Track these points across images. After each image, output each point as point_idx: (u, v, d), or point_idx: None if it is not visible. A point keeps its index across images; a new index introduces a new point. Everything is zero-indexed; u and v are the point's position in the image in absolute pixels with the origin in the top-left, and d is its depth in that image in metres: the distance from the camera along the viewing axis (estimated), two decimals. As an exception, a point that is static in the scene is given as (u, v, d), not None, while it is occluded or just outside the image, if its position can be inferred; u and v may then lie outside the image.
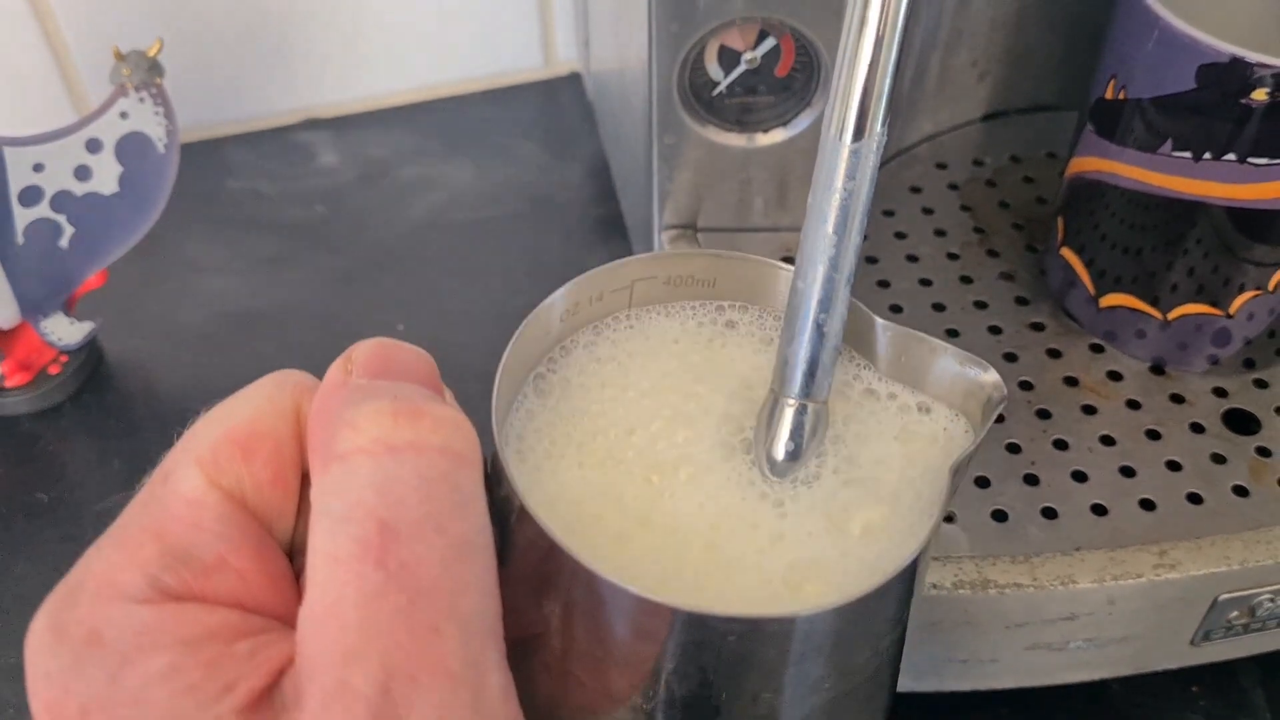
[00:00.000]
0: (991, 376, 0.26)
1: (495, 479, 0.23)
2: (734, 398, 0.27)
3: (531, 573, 0.23)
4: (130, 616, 0.19)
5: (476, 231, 0.58)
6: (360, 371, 0.22)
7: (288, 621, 0.21)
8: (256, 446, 0.22)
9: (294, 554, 0.23)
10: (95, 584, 0.20)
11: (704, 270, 0.28)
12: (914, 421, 0.27)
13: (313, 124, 0.64)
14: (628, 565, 0.24)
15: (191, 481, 0.21)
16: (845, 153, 0.23)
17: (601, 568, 0.21)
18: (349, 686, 0.18)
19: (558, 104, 0.66)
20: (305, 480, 0.22)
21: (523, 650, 0.22)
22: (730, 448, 0.26)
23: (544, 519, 0.22)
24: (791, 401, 0.25)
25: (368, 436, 0.20)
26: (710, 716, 0.24)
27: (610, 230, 0.58)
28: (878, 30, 0.22)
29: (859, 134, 0.23)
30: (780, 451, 0.25)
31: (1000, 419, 0.40)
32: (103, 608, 0.20)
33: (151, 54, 0.47)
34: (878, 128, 0.23)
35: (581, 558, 0.21)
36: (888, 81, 0.23)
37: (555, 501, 0.25)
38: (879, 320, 0.27)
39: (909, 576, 0.24)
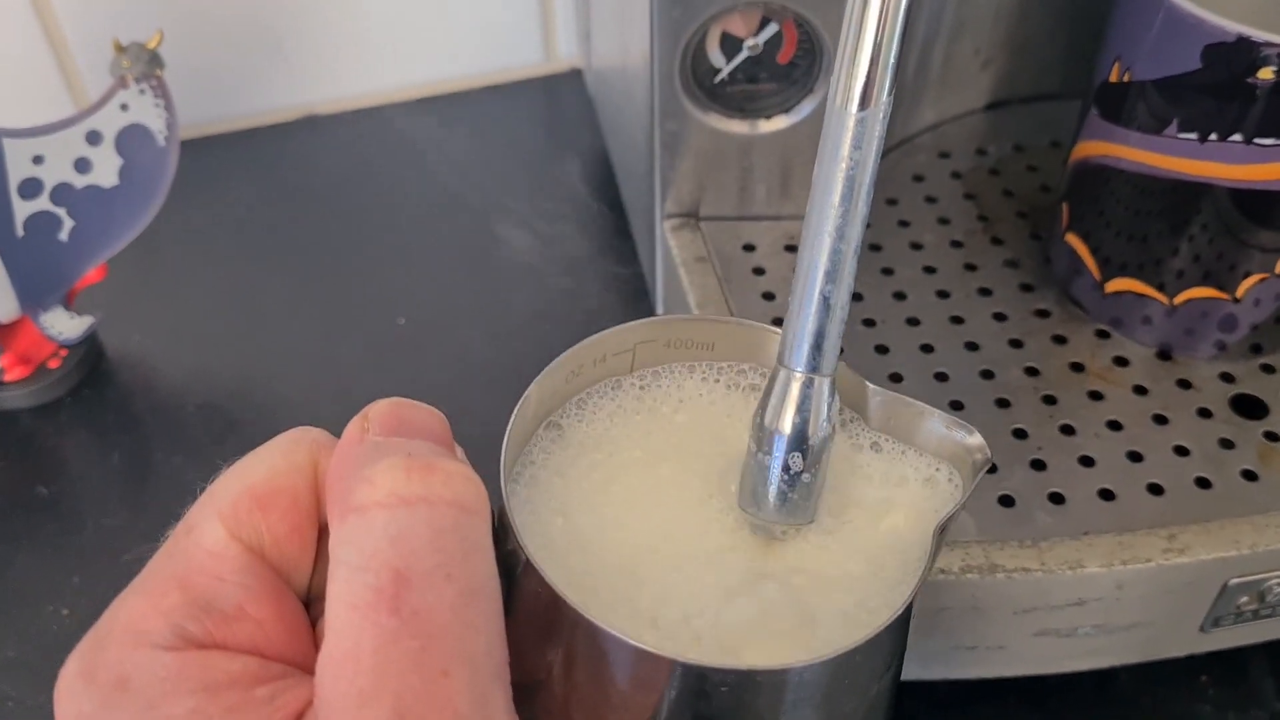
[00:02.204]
0: (976, 439, 0.27)
1: (502, 533, 0.24)
2: (736, 458, 0.28)
3: (536, 622, 0.24)
4: (156, 663, 0.20)
5: (478, 226, 0.58)
6: (376, 429, 0.23)
7: (305, 668, 0.22)
8: (275, 501, 0.23)
9: (311, 603, 0.24)
10: (122, 631, 0.21)
11: (704, 334, 0.29)
12: (899, 470, 0.28)
13: (312, 120, 0.64)
14: (627, 615, 0.25)
15: (213, 535, 0.22)
16: (851, 122, 0.23)
17: (602, 619, 0.22)
18: None
19: (559, 100, 0.66)
20: (322, 532, 0.24)
21: (527, 695, 0.23)
22: (713, 505, 0.27)
23: (547, 572, 0.23)
24: (798, 374, 0.25)
25: (383, 491, 0.21)
26: None
27: (612, 223, 0.58)
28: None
29: (865, 103, 0.23)
30: (788, 425, 0.25)
31: (1006, 404, 0.40)
32: (130, 654, 0.21)
33: (151, 46, 0.47)
34: (884, 97, 0.23)
35: (582, 609, 0.22)
36: (893, 50, 0.23)
37: (559, 554, 0.26)
38: (870, 385, 0.28)
39: (899, 628, 0.25)
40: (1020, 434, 0.39)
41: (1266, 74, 0.34)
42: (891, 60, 0.23)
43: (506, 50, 0.66)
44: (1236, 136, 0.36)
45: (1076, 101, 0.42)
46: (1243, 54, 0.34)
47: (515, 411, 0.26)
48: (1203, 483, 0.38)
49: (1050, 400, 0.40)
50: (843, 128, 0.23)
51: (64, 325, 0.50)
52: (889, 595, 0.25)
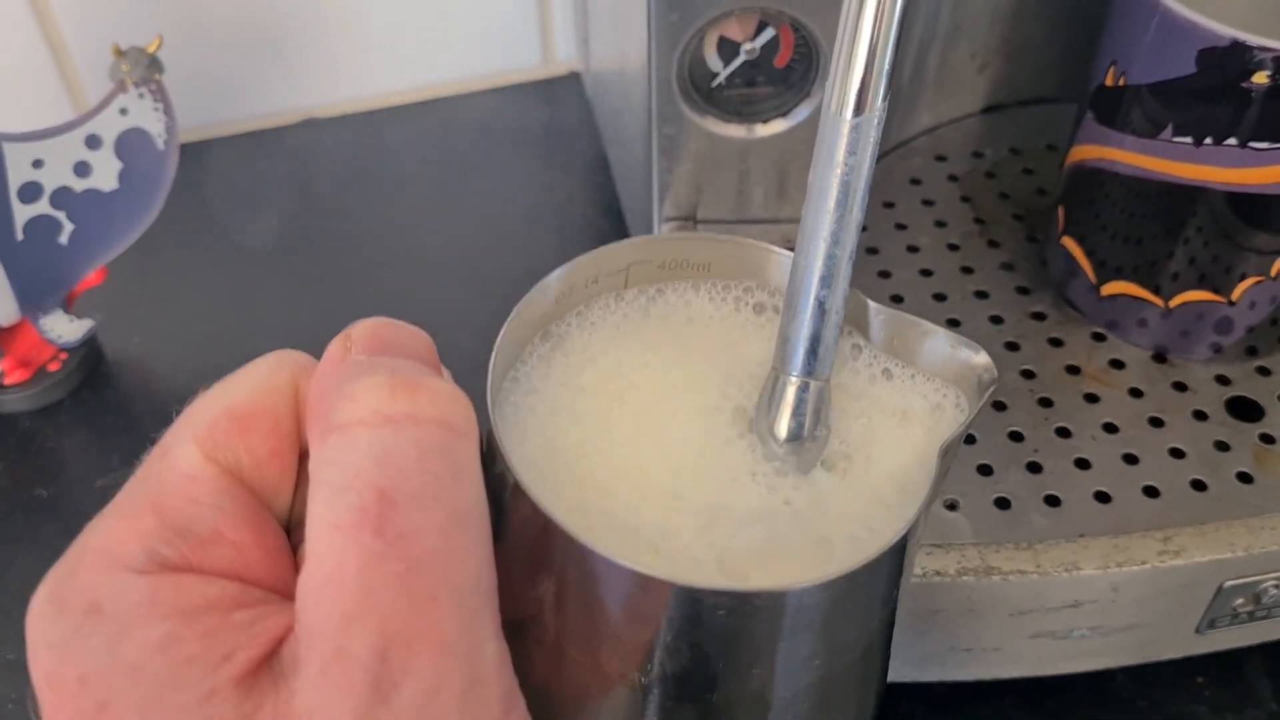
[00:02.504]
0: (982, 358, 0.25)
1: (490, 456, 0.23)
2: (732, 374, 0.27)
3: (526, 549, 0.23)
4: (129, 587, 0.20)
5: (476, 230, 0.58)
6: (359, 349, 0.22)
7: (285, 594, 0.21)
8: (254, 423, 0.22)
9: (292, 529, 0.23)
10: (94, 555, 0.20)
11: (699, 253, 0.28)
12: (905, 399, 0.27)
13: (312, 123, 0.64)
14: (620, 537, 0.24)
15: (189, 457, 0.21)
16: (846, 128, 0.23)
17: (594, 541, 0.21)
18: (346, 652, 0.18)
19: (557, 103, 0.66)
20: (303, 457, 0.23)
21: (518, 629, 0.23)
22: (724, 420, 0.26)
23: (538, 495, 0.22)
24: (794, 379, 0.25)
25: (366, 408, 0.20)
26: (703, 693, 0.24)
27: (610, 227, 0.58)
28: (878, 4, 0.22)
29: (860, 109, 0.23)
30: (783, 430, 0.25)
31: (1002, 407, 0.40)
32: (102, 578, 0.20)
33: (151, 50, 0.47)
34: (879, 103, 0.23)
35: (574, 532, 0.21)
36: (888, 56, 0.23)
37: (549, 477, 0.25)
38: (871, 304, 0.27)
39: (898, 553, 0.24)
40: (1016, 436, 0.39)
41: (1261, 78, 0.34)
42: (886, 66, 0.23)
43: (505, 53, 0.66)
44: (1231, 140, 0.36)
45: (1073, 104, 0.42)
46: (1237, 58, 0.34)
47: (503, 329, 0.25)
48: (1198, 485, 0.38)
49: (1046, 403, 0.40)
50: (837, 133, 0.23)
51: (64, 328, 0.50)
52: (896, 521, 0.24)
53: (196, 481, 0.21)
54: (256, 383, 0.22)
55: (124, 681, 0.19)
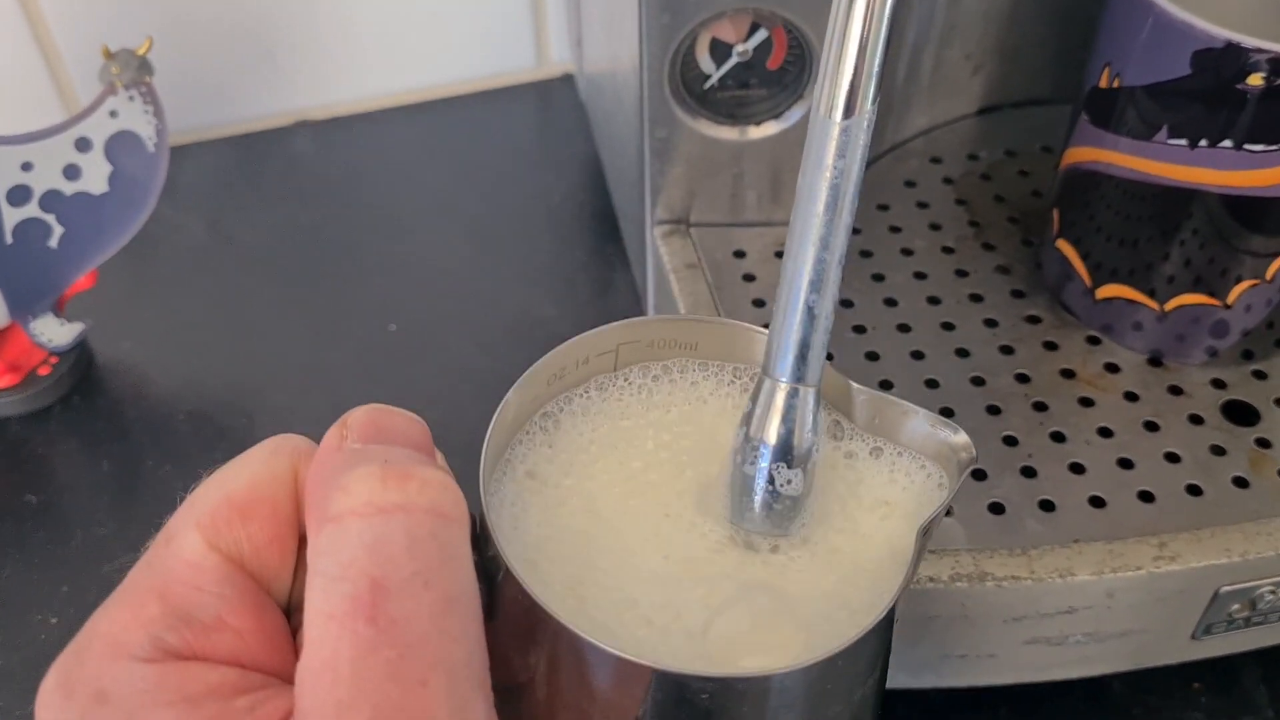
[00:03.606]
0: (961, 438, 0.26)
1: (483, 538, 0.24)
2: (709, 460, 0.28)
3: (517, 628, 0.24)
4: (135, 675, 0.20)
5: (470, 232, 0.58)
6: (355, 437, 0.23)
7: (285, 678, 0.22)
8: (254, 510, 0.23)
9: (291, 612, 0.24)
10: (101, 644, 0.21)
11: (686, 334, 0.29)
12: (886, 478, 0.28)
13: (304, 126, 0.64)
14: (607, 621, 0.25)
15: (192, 545, 0.22)
16: (835, 131, 0.23)
17: (582, 629, 0.22)
18: None
19: (551, 105, 0.66)
20: (303, 541, 0.23)
21: (510, 697, 0.24)
22: (709, 507, 0.27)
23: (527, 580, 0.23)
24: (783, 385, 0.25)
25: (359, 499, 0.21)
26: None
27: (603, 229, 0.58)
28: (867, 7, 0.22)
29: (849, 112, 0.23)
30: (773, 435, 0.25)
31: (997, 411, 0.40)
32: (108, 666, 0.21)
33: (141, 53, 0.47)
34: (868, 106, 0.23)
35: (563, 618, 0.22)
36: (877, 59, 0.23)
37: (544, 555, 0.26)
38: (854, 385, 0.28)
39: (878, 633, 0.24)
40: (1010, 441, 0.39)
41: (1256, 80, 0.34)
42: (875, 69, 0.23)
43: (499, 55, 0.66)
44: (1226, 142, 0.36)
45: (1068, 106, 0.42)
46: (1232, 60, 0.34)
47: (495, 417, 0.26)
48: (1194, 490, 0.37)
49: (1041, 407, 0.40)
50: (827, 137, 0.23)
51: (54, 332, 0.49)
52: (875, 600, 0.25)
53: (200, 569, 0.22)
54: (255, 470, 0.23)
55: None
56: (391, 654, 0.19)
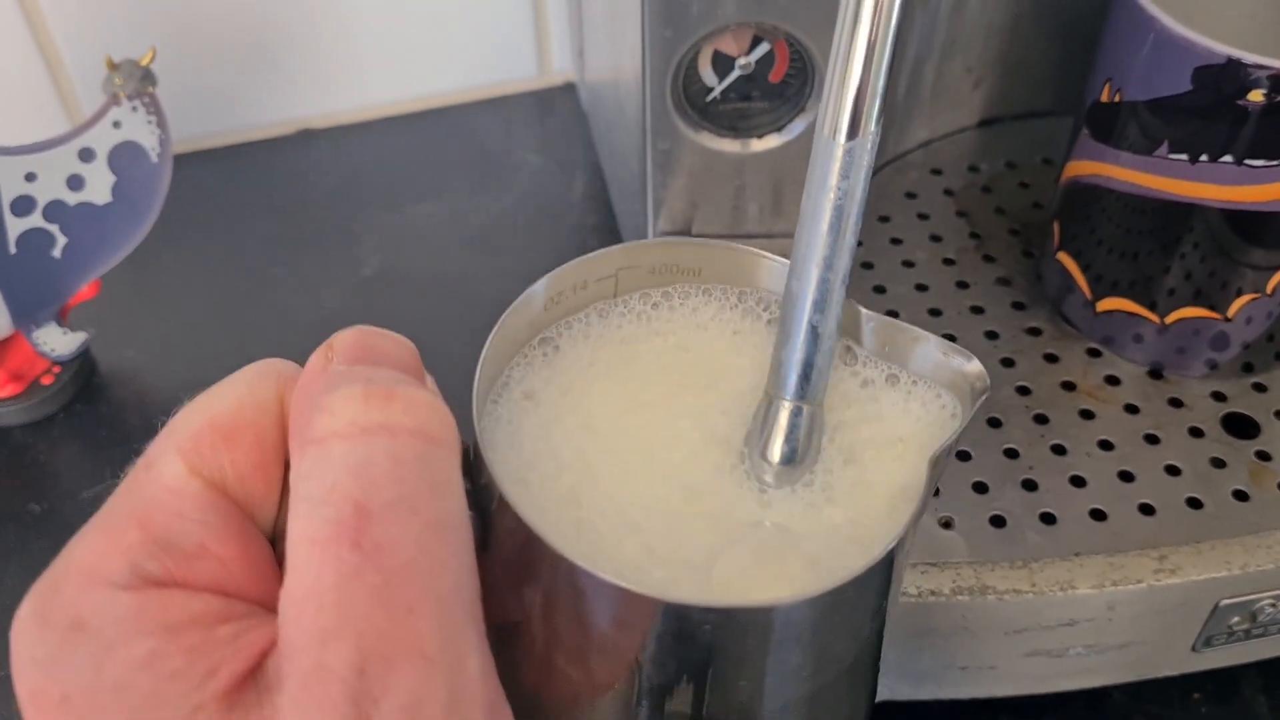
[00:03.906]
0: (974, 366, 0.25)
1: (476, 466, 0.23)
2: (719, 387, 0.27)
3: (513, 561, 0.23)
4: (113, 603, 0.19)
5: (471, 242, 0.58)
6: (340, 358, 0.22)
7: (270, 607, 0.21)
8: (238, 435, 0.22)
9: (277, 540, 0.23)
10: (78, 571, 0.20)
11: (689, 259, 0.28)
12: (897, 408, 0.27)
13: (307, 135, 0.64)
14: (606, 550, 0.24)
15: (173, 470, 0.21)
16: (839, 152, 0.23)
17: (580, 558, 0.21)
18: (325, 667, 0.18)
19: (553, 114, 0.66)
20: (287, 468, 0.22)
21: (505, 637, 0.23)
22: (711, 434, 0.26)
23: (524, 509, 0.22)
24: (787, 403, 0.25)
25: (342, 420, 0.20)
26: (691, 703, 0.24)
27: (605, 241, 0.58)
28: (871, 28, 0.22)
29: (853, 132, 0.23)
30: (776, 454, 0.25)
31: (997, 424, 0.40)
32: (86, 594, 0.20)
33: (144, 63, 0.47)
34: (872, 126, 0.23)
35: (560, 548, 0.21)
36: (882, 79, 0.23)
37: (541, 483, 0.25)
38: (863, 311, 0.27)
39: (886, 567, 0.23)
40: (1011, 454, 0.39)
41: (1257, 96, 0.34)
42: (880, 89, 0.23)
43: (501, 64, 0.66)
44: (1227, 158, 0.36)
45: (1069, 118, 0.42)
46: (1233, 76, 0.34)
47: (489, 339, 0.25)
48: (1194, 503, 0.38)
49: (1042, 419, 0.40)
50: (830, 157, 0.23)
51: (57, 341, 0.50)
52: (885, 535, 0.24)
53: (181, 495, 0.21)
54: (240, 394, 0.22)
55: (108, 699, 0.19)
56: (376, 579, 0.18)
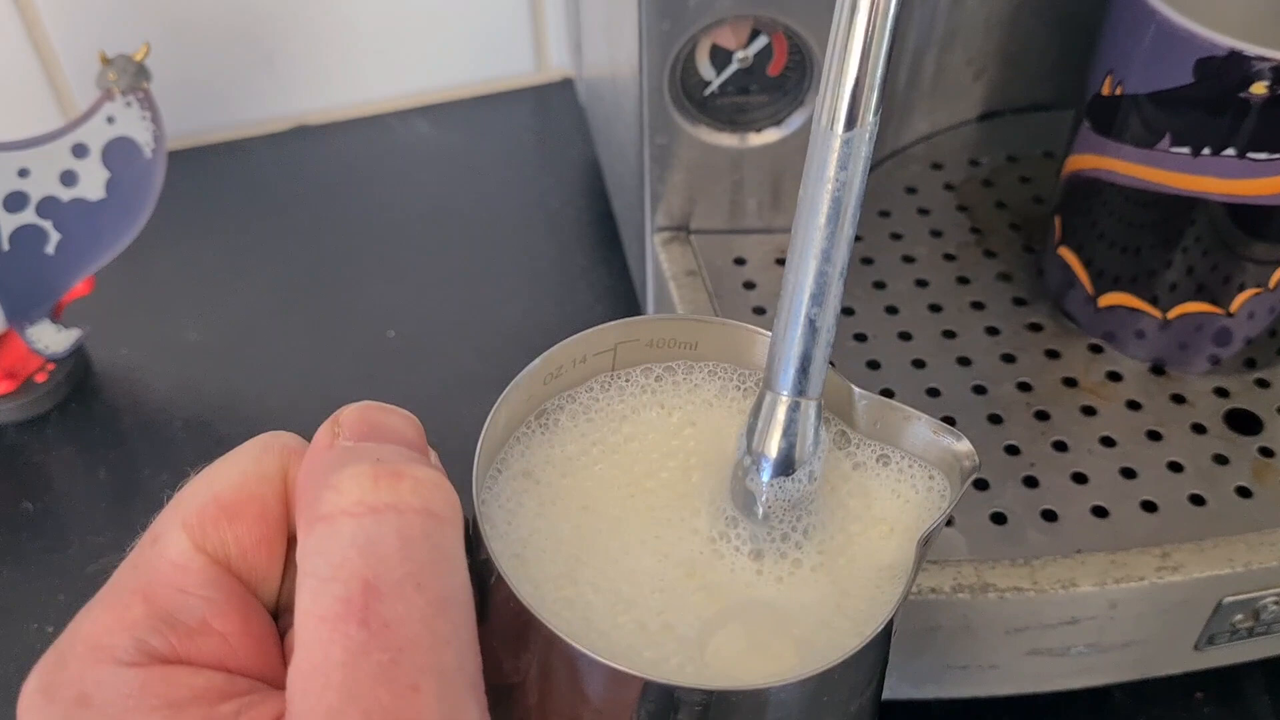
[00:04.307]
0: (964, 446, 0.26)
1: (475, 541, 0.24)
2: (715, 465, 0.27)
3: (509, 632, 0.23)
4: (118, 679, 0.20)
5: (469, 237, 0.58)
6: (347, 435, 0.22)
7: (272, 683, 0.21)
8: (242, 511, 0.22)
9: (280, 615, 0.23)
10: (84, 647, 0.21)
11: (686, 334, 0.29)
12: (889, 490, 0.27)
13: (303, 130, 0.64)
14: (599, 625, 0.24)
15: (178, 546, 0.22)
16: (837, 143, 0.23)
17: (571, 637, 0.22)
18: None
19: (550, 109, 0.66)
20: (291, 542, 0.23)
21: (503, 697, 0.23)
22: (698, 508, 0.27)
23: (516, 582, 0.22)
24: (784, 398, 0.24)
25: (350, 498, 0.20)
26: None
27: (603, 235, 0.57)
28: (869, 17, 0.22)
29: (851, 123, 0.23)
30: (773, 449, 0.25)
31: (999, 420, 0.39)
32: (91, 670, 0.20)
33: (138, 58, 0.46)
34: (870, 117, 0.23)
35: (553, 626, 0.22)
36: (880, 70, 0.22)
37: (533, 565, 0.25)
38: (856, 389, 0.27)
39: (877, 645, 0.24)
40: (1013, 450, 0.39)
41: (1259, 89, 0.34)
42: (878, 79, 0.22)
43: (498, 59, 0.65)
44: (1230, 151, 0.36)
45: (1070, 111, 0.42)
46: (1235, 68, 0.34)
47: (489, 417, 0.25)
48: (1197, 500, 0.37)
49: (1043, 416, 0.40)
50: (828, 149, 0.23)
51: (51, 339, 0.49)
52: (875, 612, 0.25)
53: (185, 571, 0.21)
54: (245, 469, 0.23)
55: None
56: (383, 657, 0.19)
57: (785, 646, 0.25)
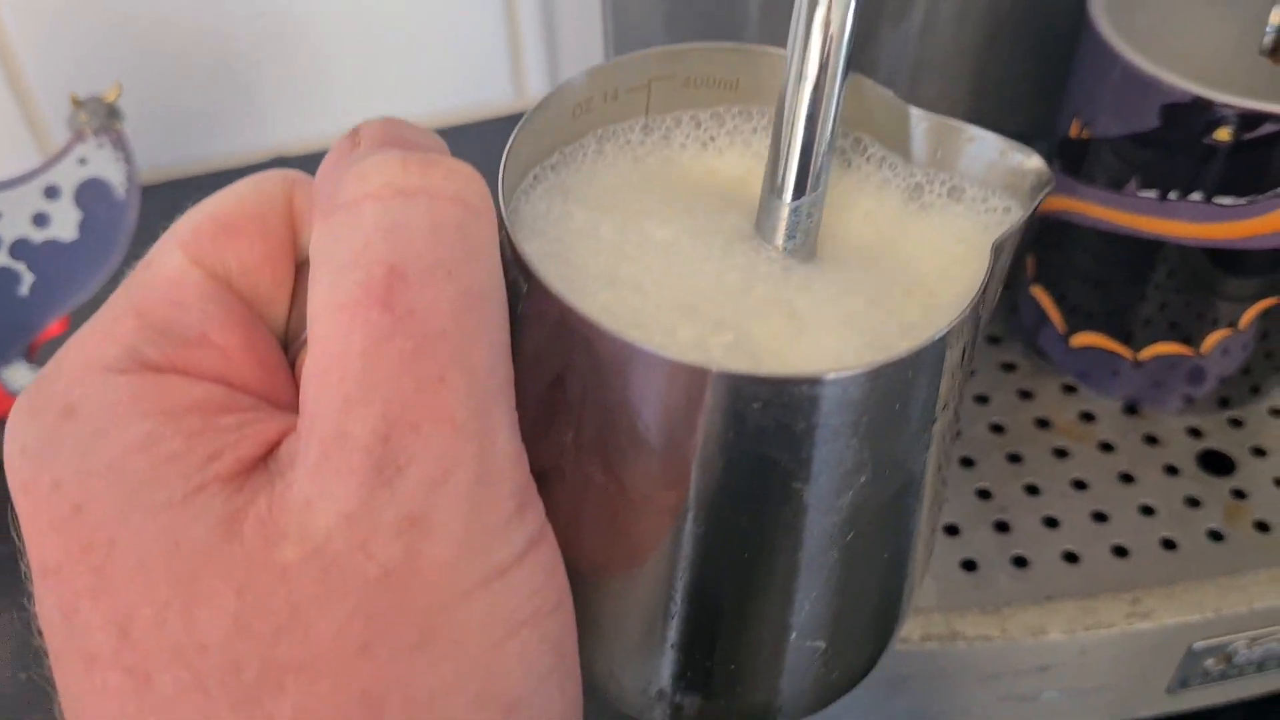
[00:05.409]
0: (1035, 161, 0.23)
1: (507, 249, 0.21)
2: (750, 209, 0.25)
3: (542, 351, 0.21)
4: (107, 387, 0.18)
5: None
6: (368, 144, 0.20)
7: (279, 405, 0.19)
8: (242, 227, 0.20)
9: (288, 344, 0.21)
10: (72, 359, 0.19)
11: (727, 69, 0.26)
12: (952, 209, 0.25)
13: (281, 162, 0.64)
14: (648, 328, 0.22)
15: (174, 263, 0.20)
16: (785, 211, 0.23)
17: (615, 328, 0.19)
18: (347, 434, 0.17)
19: (530, 136, 0.65)
20: (300, 269, 0.21)
21: (536, 472, 0.20)
22: (747, 238, 0.24)
23: (556, 287, 0.20)
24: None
25: (376, 182, 0.18)
26: (737, 515, 0.22)
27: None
28: (815, 87, 0.22)
29: (799, 194, 0.22)
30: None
31: (970, 463, 0.39)
32: (78, 380, 0.18)
33: (109, 99, 0.46)
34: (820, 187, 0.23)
35: (595, 319, 0.19)
36: (826, 145, 0.22)
37: (567, 254, 0.23)
38: (913, 110, 0.25)
39: (942, 350, 0.21)
40: (984, 494, 0.38)
41: (1224, 135, 0.34)
42: (825, 151, 0.22)
43: (476, 87, 0.65)
44: (1196, 195, 0.35)
45: (1043, 143, 0.41)
46: (1200, 114, 0.34)
47: (515, 133, 0.23)
48: (1168, 544, 0.37)
49: (1015, 458, 0.39)
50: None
51: (25, 379, 0.49)
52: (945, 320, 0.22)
53: (181, 286, 0.19)
54: (244, 191, 0.21)
55: (100, 483, 0.17)
56: (407, 345, 0.17)
57: (847, 350, 0.22)
